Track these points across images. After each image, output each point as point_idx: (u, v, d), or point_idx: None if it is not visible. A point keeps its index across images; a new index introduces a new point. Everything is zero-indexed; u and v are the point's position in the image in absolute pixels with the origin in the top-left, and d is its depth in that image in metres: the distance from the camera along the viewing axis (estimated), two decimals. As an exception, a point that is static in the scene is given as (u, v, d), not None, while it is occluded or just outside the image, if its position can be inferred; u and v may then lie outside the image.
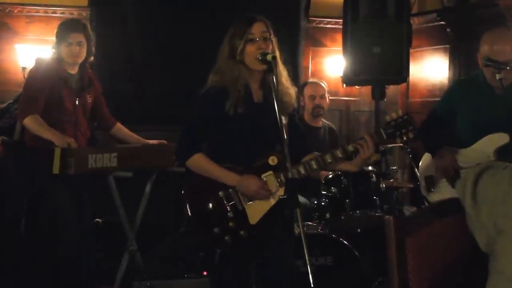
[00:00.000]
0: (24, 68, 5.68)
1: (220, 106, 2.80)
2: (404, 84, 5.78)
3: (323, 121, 4.96)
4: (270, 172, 2.83)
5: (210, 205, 2.80)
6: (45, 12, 6.01)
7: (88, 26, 4.07)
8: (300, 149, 2.95)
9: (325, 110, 4.89)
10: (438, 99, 4.28)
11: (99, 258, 4.36)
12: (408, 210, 4.72)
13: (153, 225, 4.52)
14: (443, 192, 3.70)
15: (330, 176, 4.12)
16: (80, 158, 3.67)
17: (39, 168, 3.77)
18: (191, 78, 3.45)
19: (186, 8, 5.71)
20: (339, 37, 5.27)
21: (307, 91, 4.85)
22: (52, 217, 3.91)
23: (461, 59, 5.98)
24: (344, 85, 5.29)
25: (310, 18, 6.40)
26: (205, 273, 3.84)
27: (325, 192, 4.10)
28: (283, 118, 2.68)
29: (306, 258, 2.39)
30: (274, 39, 2.84)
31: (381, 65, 4.22)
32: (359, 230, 4.11)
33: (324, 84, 4.94)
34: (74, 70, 3.98)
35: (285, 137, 2.57)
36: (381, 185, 4.05)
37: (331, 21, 6.43)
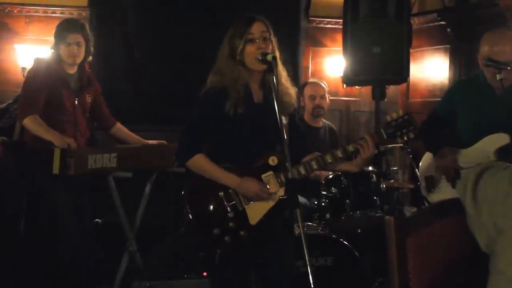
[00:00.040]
0: (23, 68, 5.68)
1: (220, 106, 2.80)
2: (404, 84, 5.78)
3: (323, 121, 4.95)
4: (270, 172, 2.83)
5: (210, 205, 2.79)
6: (45, 12, 6.01)
7: (87, 25, 4.07)
8: (301, 149, 2.94)
9: (325, 110, 4.89)
10: (439, 99, 4.27)
11: (99, 258, 4.35)
12: (409, 211, 4.71)
13: (153, 225, 4.51)
14: (444, 192, 3.69)
15: (330, 176, 4.12)
16: (79, 159, 3.67)
17: (38, 168, 3.77)
18: (191, 78, 3.45)
19: (186, 8, 5.71)
20: (339, 37, 5.27)
21: (307, 91, 4.85)
22: (51, 217, 3.91)
23: (461, 59, 5.98)
24: (344, 85, 5.28)
25: (310, 18, 6.40)
26: (205, 273, 3.83)
27: (325, 193, 4.10)
28: (283, 118, 2.68)
29: (306, 258, 2.39)
30: (274, 39, 2.84)
31: (381, 65, 4.21)
32: (359, 231, 4.11)
33: (324, 84, 4.94)
34: (73, 70, 3.98)
35: (285, 137, 2.56)
36: (381, 186, 4.05)
37: (331, 21, 6.43)
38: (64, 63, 3.94)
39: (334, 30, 6.39)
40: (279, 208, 2.78)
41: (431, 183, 3.83)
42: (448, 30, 6.07)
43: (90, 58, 4.07)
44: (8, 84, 5.86)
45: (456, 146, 3.67)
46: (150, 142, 4.20)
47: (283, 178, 2.79)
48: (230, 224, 2.77)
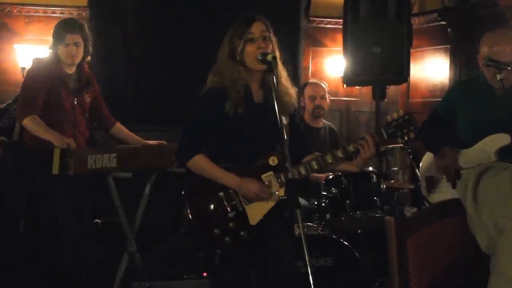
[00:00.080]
0: (23, 69, 5.67)
1: (220, 106, 2.79)
2: (404, 85, 5.77)
3: (323, 122, 4.95)
4: (271, 172, 2.82)
5: (210, 206, 2.78)
6: (45, 12, 6.00)
7: (85, 25, 4.06)
8: (301, 149, 2.94)
9: (325, 110, 4.88)
10: (439, 99, 4.27)
11: (99, 258, 4.35)
12: (409, 211, 4.71)
13: (153, 226, 4.50)
14: (444, 192, 3.69)
15: (331, 176, 4.11)
16: (79, 159, 3.67)
17: (38, 168, 3.77)
18: (191, 78, 3.45)
19: (186, 8, 5.71)
20: (339, 37, 5.26)
21: (308, 91, 4.85)
22: (51, 217, 3.91)
23: (462, 59, 5.98)
24: (345, 85, 5.27)
25: (310, 18, 6.40)
26: (204, 274, 3.83)
27: (325, 193, 4.10)
28: (284, 118, 2.68)
29: (307, 259, 2.38)
30: (274, 39, 2.83)
31: (382, 65, 4.21)
32: (359, 231, 4.10)
33: (324, 85, 4.93)
34: (71, 70, 3.98)
35: (286, 137, 2.56)
36: (381, 186, 4.04)
37: (332, 21, 6.43)
38: (63, 63, 3.94)
39: (334, 30, 6.39)
40: (279, 209, 2.78)
41: (432, 184, 3.83)
42: (449, 30, 6.07)
43: (89, 58, 4.07)
44: (7, 84, 5.86)
45: (457, 147, 3.67)
46: (150, 142, 4.19)
47: (283, 178, 2.79)
48: (230, 224, 2.77)
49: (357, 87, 6.07)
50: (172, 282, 4.00)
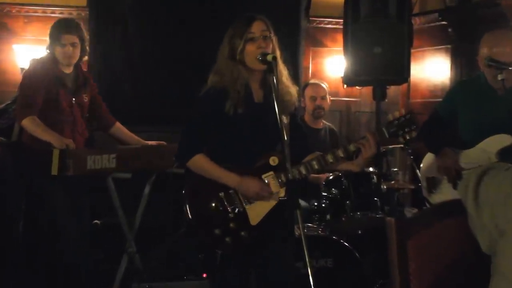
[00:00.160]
0: (22, 69, 5.66)
1: (220, 106, 2.79)
2: (405, 85, 5.77)
3: (323, 123, 4.94)
4: (271, 172, 2.82)
5: (211, 206, 2.78)
6: (44, 12, 5.99)
7: (82, 25, 4.06)
8: (302, 149, 2.93)
9: (326, 111, 4.87)
10: (440, 99, 4.26)
11: (98, 259, 4.34)
12: (410, 212, 4.71)
13: (152, 226, 4.50)
14: (445, 193, 3.68)
15: (331, 177, 4.10)
16: (78, 159, 3.66)
17: (37, 169, 3.76)
18: (191, 78, 3.45)
19: (186, 8, 5.70)
20: (339, 37, 5.25)
21: (308, 92, 4.85)
22: (50, 218, 3.90)
23: (463, 59, 5.96)
24: (345, 85, 5.26)
25: (311, 18, 6.39)
26: (204, 275, 3.82)
27: (325, 194, 4.09)
28: (284, 117, 2.68)
29: (307, 260, 2.38)
30: (274, 38, 2.83)
31: (382, 66, 4.21)
32: (360, 232, 4.10)
33: (325, 85, 4.93)
34: (69, 70, 3.99)
35: (286, 137, 2.55)
36: (382, 187, 4.04)
37: (332, 21, 6.42)
38: (60, 63, 3.93)
39: (334, 30, 6.38)
40: (280, 209, 2.78)
41: (433, 184, 3.82)
42: (449, 30, 6.06)
43: (86, 57, 4.07)
44: (6, 85, 5.84)
45: (457, 147, 3.66)
46: (150, 142, 4.19)
47: (283, 179, 2.78)
48: (231, 224, 2.77)
49: (357, 87, 6.06)
50: (172, 283, 3.99)
